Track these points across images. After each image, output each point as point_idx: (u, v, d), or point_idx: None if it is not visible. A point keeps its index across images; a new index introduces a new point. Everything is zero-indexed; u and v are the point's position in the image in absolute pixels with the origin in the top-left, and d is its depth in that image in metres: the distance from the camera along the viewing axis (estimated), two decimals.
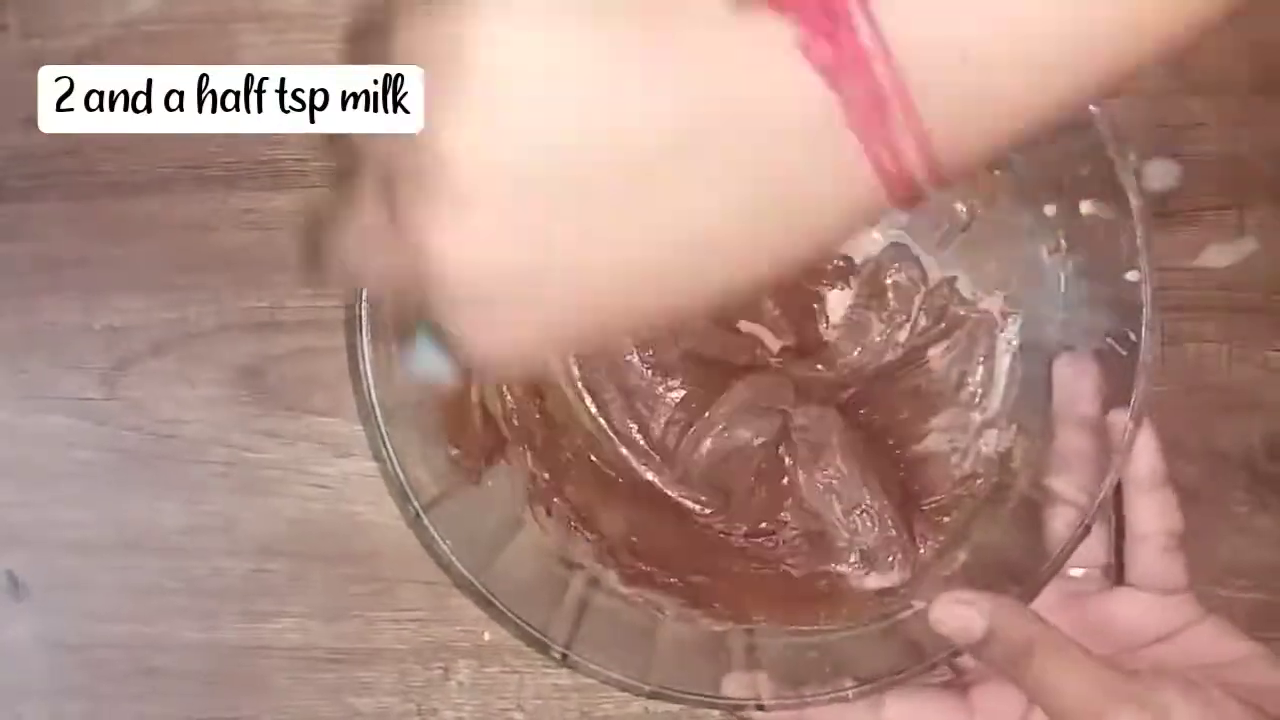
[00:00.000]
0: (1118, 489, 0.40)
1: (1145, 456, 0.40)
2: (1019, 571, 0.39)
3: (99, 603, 0.48)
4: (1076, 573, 0.40)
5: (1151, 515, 0.40)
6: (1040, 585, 0.38)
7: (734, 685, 0.39)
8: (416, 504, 0.38)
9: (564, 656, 0.38)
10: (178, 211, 0.48)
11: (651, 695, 0.38)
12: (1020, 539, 0.41)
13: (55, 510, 0.48)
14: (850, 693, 0.38)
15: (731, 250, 0.24)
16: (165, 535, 0.48)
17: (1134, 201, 0.37)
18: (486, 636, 0.47)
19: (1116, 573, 0.41)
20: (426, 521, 0.38)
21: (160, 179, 0.48)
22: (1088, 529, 0.38)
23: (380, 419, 0.38)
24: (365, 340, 0.38)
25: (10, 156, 0.48)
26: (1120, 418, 0.38)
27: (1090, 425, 0.40)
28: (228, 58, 0.48)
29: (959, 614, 0.37)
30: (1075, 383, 0.41)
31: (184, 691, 0.48)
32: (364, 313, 0.38)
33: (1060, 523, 0.39)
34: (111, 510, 0.48)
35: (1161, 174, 0.46)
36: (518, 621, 0.38)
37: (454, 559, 0.38)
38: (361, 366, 0.38)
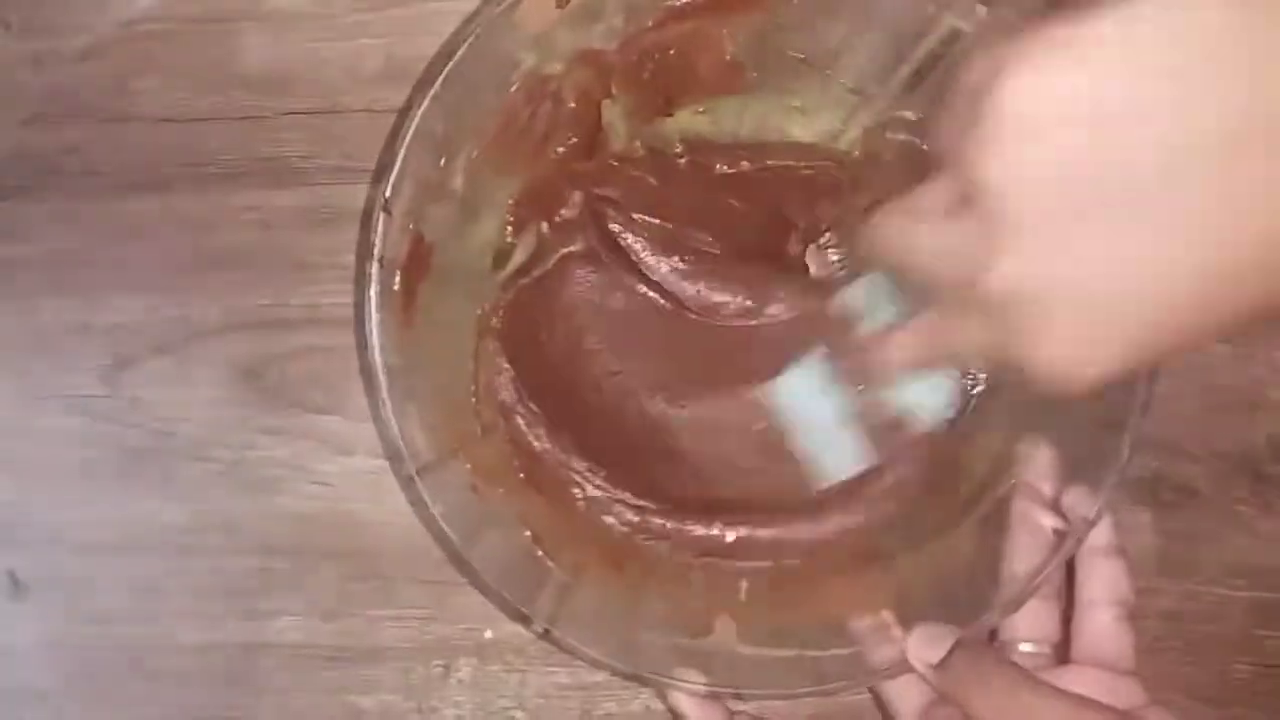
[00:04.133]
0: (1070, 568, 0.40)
1: (1100, 527, 0.39)
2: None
3: (100, 602, 0.48)
4: (1026, 647, 0.40)
5: (1103, 583, 0.39)
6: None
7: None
8: (410, 466, 0.38)
9: (545, 632, 0.38)
10: (178, 211, 0.48)
11: (631, 677, 0.38)
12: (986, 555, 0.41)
13: (56, 510, 0.48)
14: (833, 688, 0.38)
15: None
16: (166, 534, 0.48)
17: None
18: (488, 634, 0.47)
19: (1065, 649, 0.40)
20: (419, 485, 0.38)
21: (160, 178, 0.48)
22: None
23: (382, 377, 0.38)
24: (372, 299, 0.38)
25: (10, 156, 0.48)
26: (1078, 497, 0.38)
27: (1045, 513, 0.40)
28: (228, 58, 0.48)
29: (926, 636, 0.38)
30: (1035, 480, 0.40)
31: (185, 691, 0.48)
32: (374, 271, 0.38)
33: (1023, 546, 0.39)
34: (112, 509, 0.48)
35: None
36: (501, 594, 0.38)
37: (443, 525, 0.38)
38: (367, 324, 0.38)
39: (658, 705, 0.47)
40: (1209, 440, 0.46)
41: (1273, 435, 0.46)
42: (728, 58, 0.43)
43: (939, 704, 0.39)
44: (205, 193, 0.48)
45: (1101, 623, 0.39)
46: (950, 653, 0.37)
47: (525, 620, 0.38)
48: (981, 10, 0.38)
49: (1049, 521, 0.39)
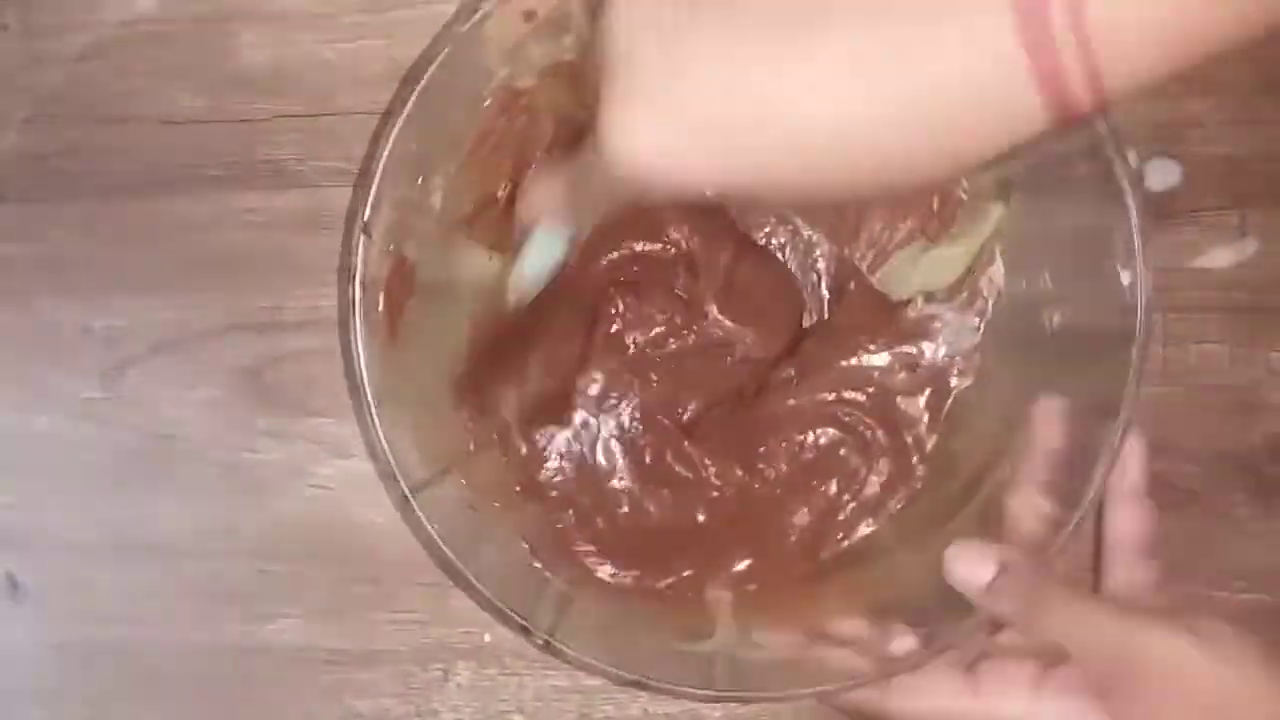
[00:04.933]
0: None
1: (1131, 465, 0.40)
2: None
3: (98, 604, 0.48)
4: None
5: (1128, 526, 0.40)
6: None
7: None
8: (405, 486, 0.38)
9: (546, 644, 0.38)
10: (178, 211, 0.48)
11: (633, 684, 0.38)
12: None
13: (55, 511, 0.48)
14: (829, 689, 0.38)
15: (886, 142, 0.25)
16: (164, 536, 0.48)
17: (1132, 201, 0.37)
18: (486, 638, 0.47)
19: (1095, 581, 0.41)
20: (414, 504, 0.38)
21: (160, 179, 0.48)
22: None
23: (370, 399, 0.38)
24: (358, 320, 0.38)
25: (10, 156, 0.48)
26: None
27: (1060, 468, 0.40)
28: (228, 59, 0.48)
29: (969, 560, 0.38)
30: (1046, 428, 0.40)
31: (183, 693, 0.48)
32: (357, 294, 0.38)
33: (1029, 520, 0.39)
34: (111, 511, 0.48)
35: (1162, 174, 0.46)
36: (501, 608, 0.38)
37: (440, 544, 0.38)
38: (354, 347, 0.38)
39: (655, 709, 0.47)
40: (1207, 442, 0.46)
41: (1270, 436, 0.46)
42: None
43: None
44: (204, 194, 0.48)
45: (1128, 561, 0.40)
46: (997, 576, 0.37)
47: (526, 632, 0.38)
48: None
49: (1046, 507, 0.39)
